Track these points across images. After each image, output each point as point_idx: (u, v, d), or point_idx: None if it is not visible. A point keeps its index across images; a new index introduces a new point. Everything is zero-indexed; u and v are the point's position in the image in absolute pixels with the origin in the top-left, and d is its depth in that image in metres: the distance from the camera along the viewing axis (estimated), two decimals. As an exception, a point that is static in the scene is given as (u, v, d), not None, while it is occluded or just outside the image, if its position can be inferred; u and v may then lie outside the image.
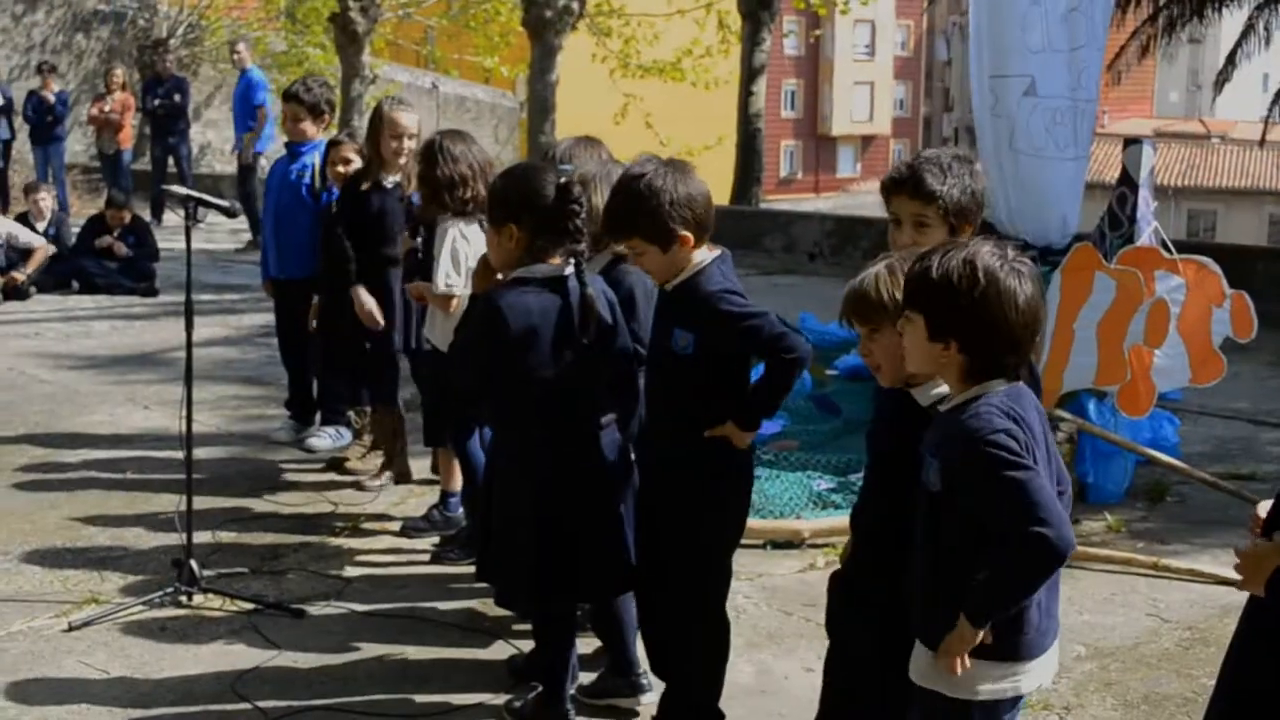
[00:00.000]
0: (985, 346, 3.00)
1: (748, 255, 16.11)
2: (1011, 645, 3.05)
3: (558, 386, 4.21)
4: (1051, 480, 3.01)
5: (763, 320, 4.03)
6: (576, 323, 4.19)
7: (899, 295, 3.23)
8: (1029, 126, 7.49)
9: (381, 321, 6.78)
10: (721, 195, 21.60)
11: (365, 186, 6.81)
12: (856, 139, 60.22)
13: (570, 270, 4.23)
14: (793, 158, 58.17)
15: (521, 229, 4.27)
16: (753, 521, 6.35)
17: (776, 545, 6.25)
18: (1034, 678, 3.12)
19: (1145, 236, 7.58)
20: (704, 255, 4.13)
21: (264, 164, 14.53)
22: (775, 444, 7.52)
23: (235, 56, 16.97)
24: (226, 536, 6.35)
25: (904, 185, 3.89)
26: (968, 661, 3.01)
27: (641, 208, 4.06)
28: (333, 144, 7.27)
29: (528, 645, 4.91)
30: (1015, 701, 3.14)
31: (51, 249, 13.30)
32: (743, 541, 6.10)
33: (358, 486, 7.03)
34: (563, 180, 4.28)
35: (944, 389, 3.21)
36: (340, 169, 7.11)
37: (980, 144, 7.79)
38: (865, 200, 41.76)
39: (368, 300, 6.78)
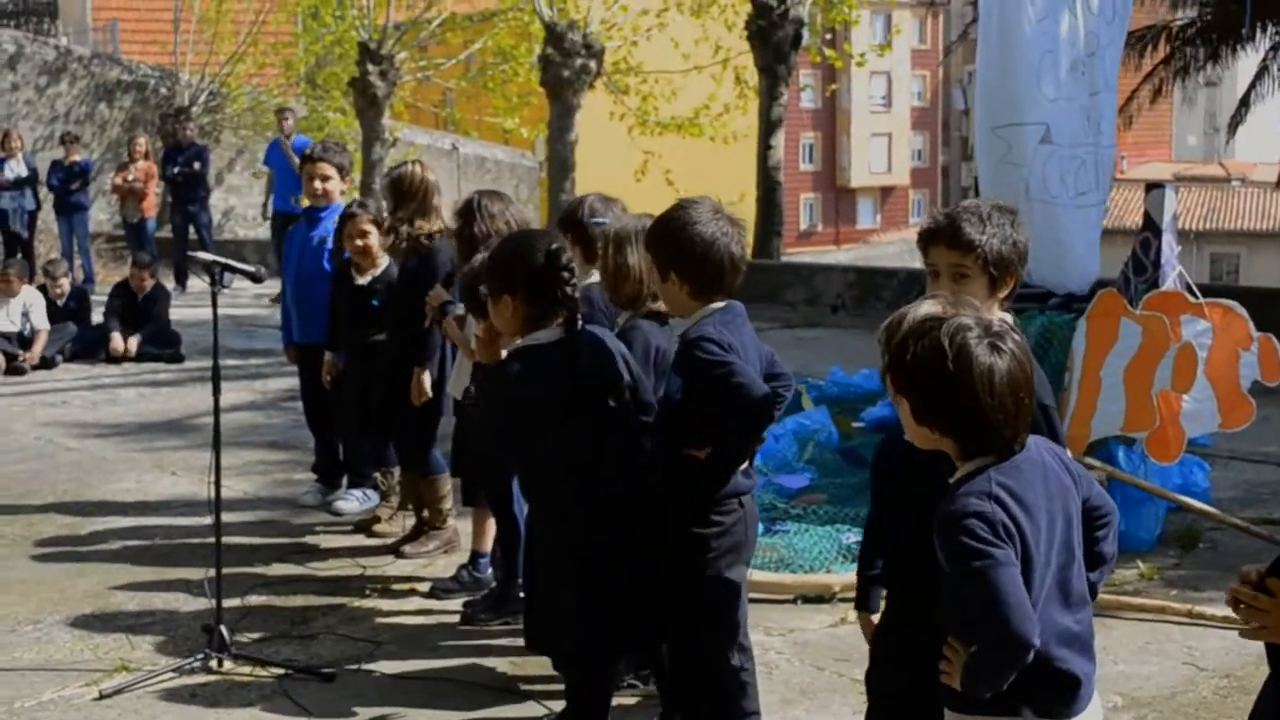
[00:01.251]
0: (967, 429, 2.96)
1: (769, 308, 16.12)
2: (1045, 704, 3.01)
3: (576, 451, 4.24)
4: (1055, 544, 2.97)
5: (727, 370, 3.99)
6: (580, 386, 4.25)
7: None
8: (1044, 175, 7.53)
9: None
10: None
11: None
12: (875, 190, 60.33)
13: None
14: (812, 210, 58.27)
15: (516, 299, 4.35)
16: (782, 576, 6.38)
17: (807, 600, 6.22)
18: None
19: (1170, 281, 7.57)
20: (713, 306, 4.17)
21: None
22: (803, 498, 7.49)
23: (285, 124, 17.35)
24: (256, 601, 6.34)
25: (941, 235, 3.81)
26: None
27: (657, 226, 4.22)
28: (348, 217, 7.21)
29: (559, 704, 4.88)
30: None
31: (72, 326, 13.47)
32: (773, 597, 6.18)
33: (396, 553, 6.99)
34: (554, 247, 4.35)
35: None
36: (359, 243, 7.09)
37: (984, 194, 7.80)
38: (886, 251, 41.83)
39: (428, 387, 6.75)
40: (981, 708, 3.02)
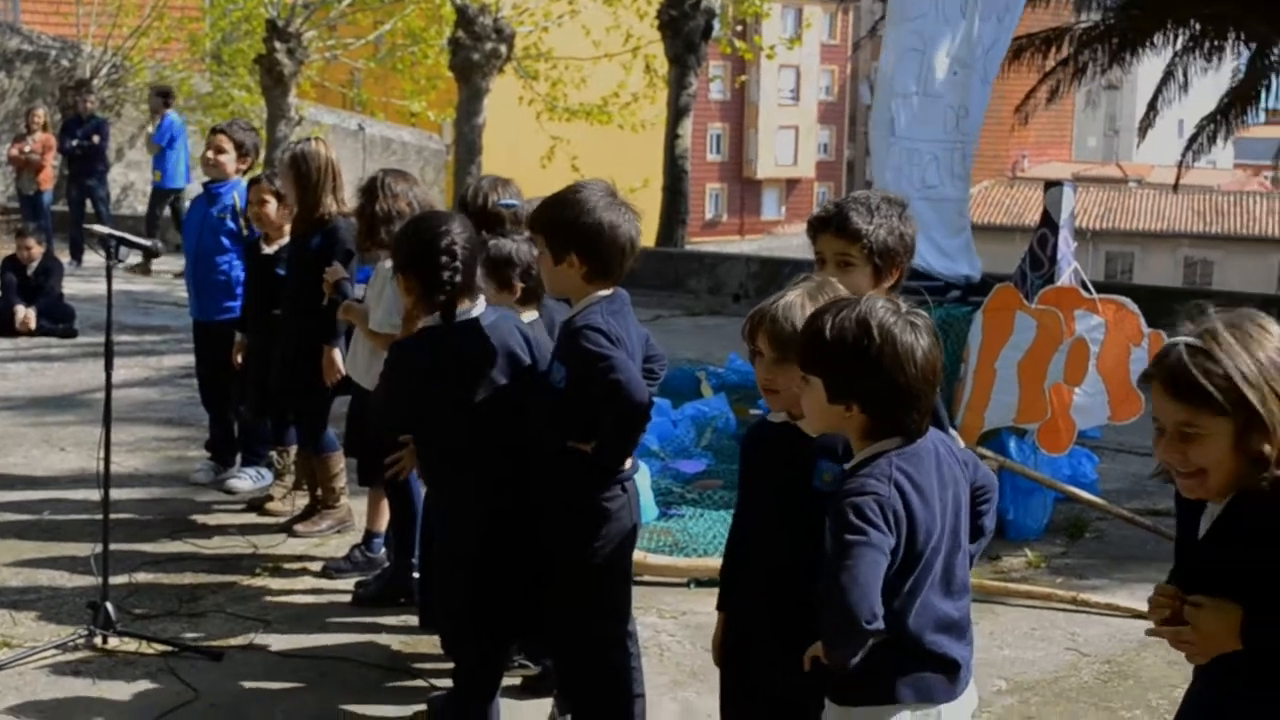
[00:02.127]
0: (886, 405, 2.97)
1: (673, 296, 16.20)
2: (923, 689, 3.03)
3: (467, 436, 4.24)
4: (945, 532, 3.00)
5: (608, 364, 3.94)
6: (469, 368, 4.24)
7: None
8: (910, 167, 7.88)
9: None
10: (648, 237, 21.69)
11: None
12: (781, 182, 60.70)
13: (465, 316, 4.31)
14: (718, 201, 58.52)
15: (409, 279, 4.38)
16: (676, 560, 6.41)
17: (700, 583, 6.24)
18: None
19: (1065, 276, 7.72)
20: (600, 294, 4.09)
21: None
22: (699, 483, 7.53)
23: (154, 102, 17.37)
24: (144, 578, 6.24)
25: (829, 223, 3.89)
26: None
27: (555, 207, 4.07)
28: (253, 183, 7.20)
29: (449, 683, 4.86)
30: None
31: None
32: (666, 580, 6.21)
33: (289, 532, 6.92)
34: (441, 229, 4.34)
35: None
36: (255, 209, 7.08)
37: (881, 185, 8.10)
38: (790, 243, 42.10)
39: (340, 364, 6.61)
40: (860, 696, 3.04)
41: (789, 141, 59.79)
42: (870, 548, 2.85)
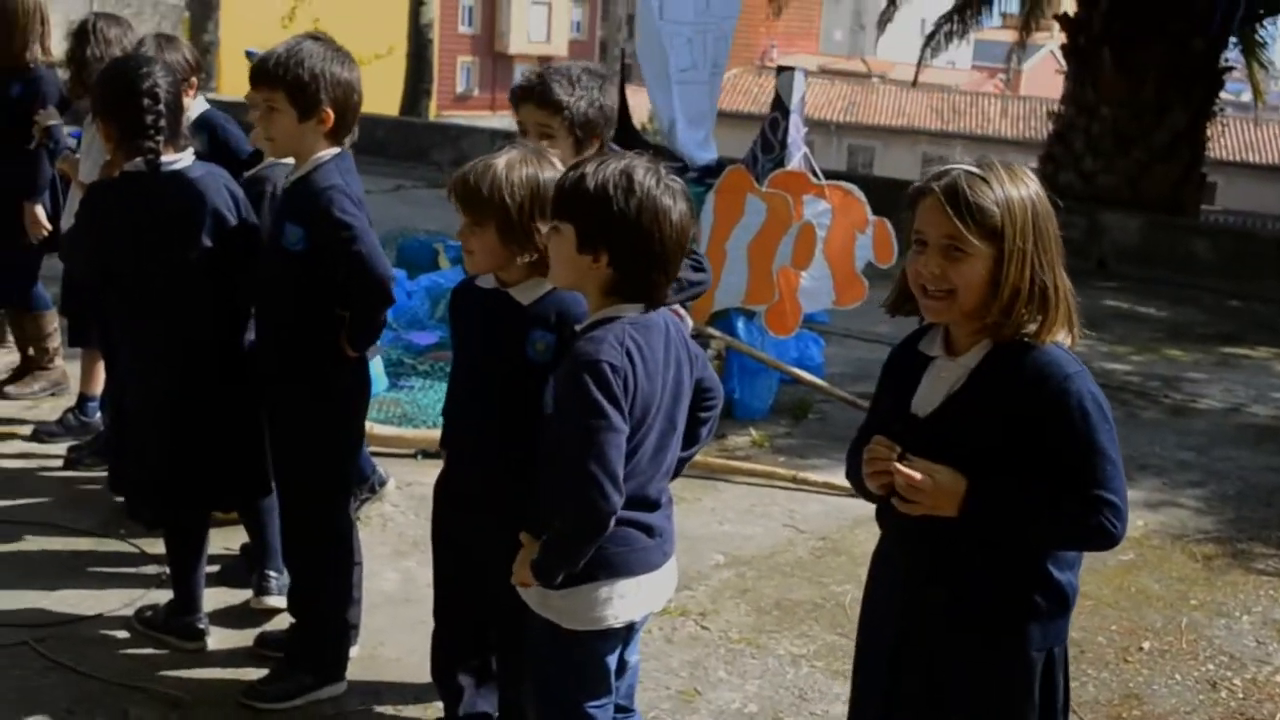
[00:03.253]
0: (636, 261, 2.94)
1: (415, 167, 15.98)
2: (619, 563, 3.03)
3: (167, 288, 4.08)
4: (663, 412, 3.01)
5: (352, 234, 3.82)
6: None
7: (508, 195, 3.23)
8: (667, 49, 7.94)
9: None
10: (391, 107, 21.23)
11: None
12: (533, 59, 60.01)
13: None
14: (469, 75, 57.66)
15: (108, 124, 4.18)
16: (404, 431, 6.37)
17: (427, 455, 6.20)
18: (641, 603, 3.08)
19: (796, 161, 7.85)
20: (329, 151, 3.94)
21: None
22: (432, 354, 7.47)
23: None
24: None
25: (531, 94, 3.90)
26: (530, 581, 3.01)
27: (302, 63, 3.84)
28: None
29: (160, 548, 4.74)
30: (630, 629, 3.14)
31: None
32: (393, 451, 6.16)
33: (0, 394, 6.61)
34: (143, 70, 4.13)
35: (546, 287, 3.23)
36: None
37: (645, 70, 8.10)
38: (539, 120, 41.91)
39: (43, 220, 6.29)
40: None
41: (542, 18, 59.15)
42: (614, 431, 2.85)
